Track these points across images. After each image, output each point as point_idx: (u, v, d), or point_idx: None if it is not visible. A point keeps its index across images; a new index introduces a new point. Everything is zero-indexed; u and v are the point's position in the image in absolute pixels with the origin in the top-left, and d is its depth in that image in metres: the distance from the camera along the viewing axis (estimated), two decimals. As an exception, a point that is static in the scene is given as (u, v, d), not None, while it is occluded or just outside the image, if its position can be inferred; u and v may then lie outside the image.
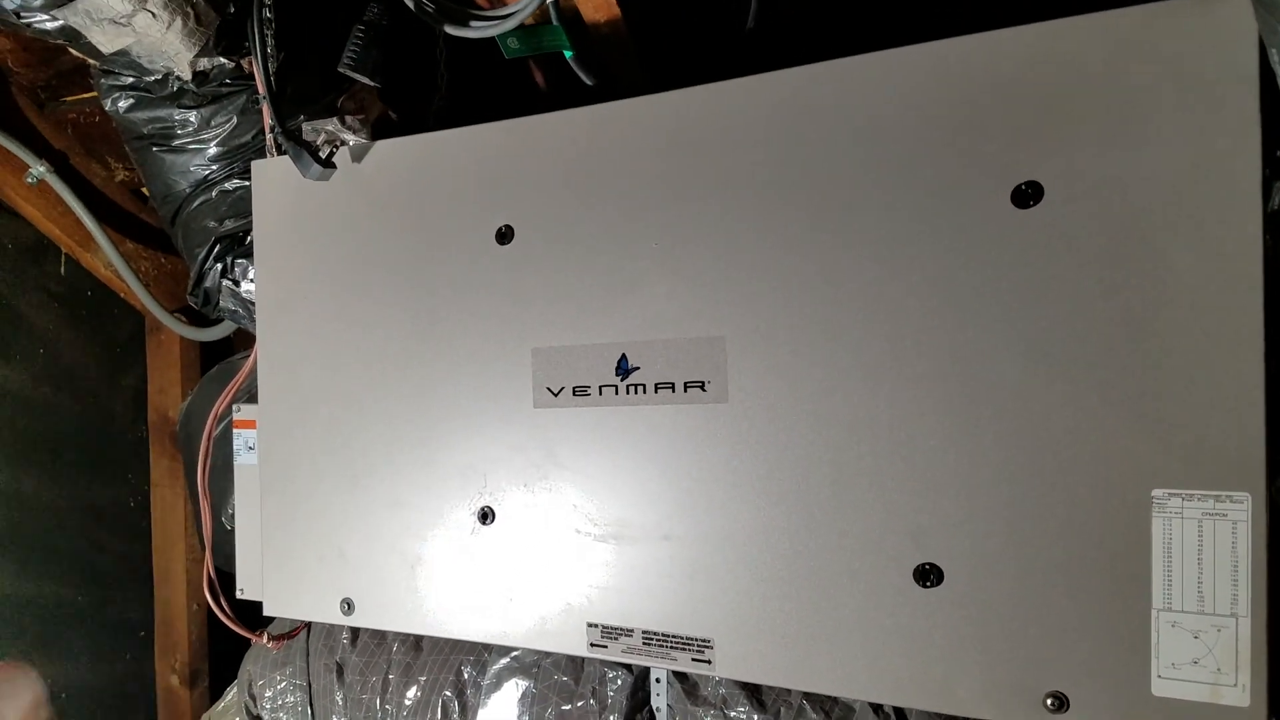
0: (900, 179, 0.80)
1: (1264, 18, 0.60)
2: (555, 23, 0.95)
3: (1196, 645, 0.70)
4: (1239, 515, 0.69)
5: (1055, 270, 0.74)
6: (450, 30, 0.96)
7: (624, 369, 0.91)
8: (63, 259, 1.63)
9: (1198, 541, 0.70)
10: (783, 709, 1.00)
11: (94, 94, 1.42)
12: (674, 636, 0.89)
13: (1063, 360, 0.74)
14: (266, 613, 1.13)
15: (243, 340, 1.68)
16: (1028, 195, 0.75)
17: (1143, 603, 0.72)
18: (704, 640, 0.88)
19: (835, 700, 0.99)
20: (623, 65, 1.04)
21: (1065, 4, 0.77)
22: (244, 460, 1.18)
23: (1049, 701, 0.75)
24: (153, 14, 0.98)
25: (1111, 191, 0.73)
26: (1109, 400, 0.73)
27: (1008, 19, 0.77)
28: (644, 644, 0.91)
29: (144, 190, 1.67)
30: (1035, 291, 0.75)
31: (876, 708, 0.97)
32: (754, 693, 1.02)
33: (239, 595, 1.20)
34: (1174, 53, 0.71)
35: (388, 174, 1.03)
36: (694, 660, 0.89)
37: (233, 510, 1.24)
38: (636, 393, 0.90)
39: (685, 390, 0.88)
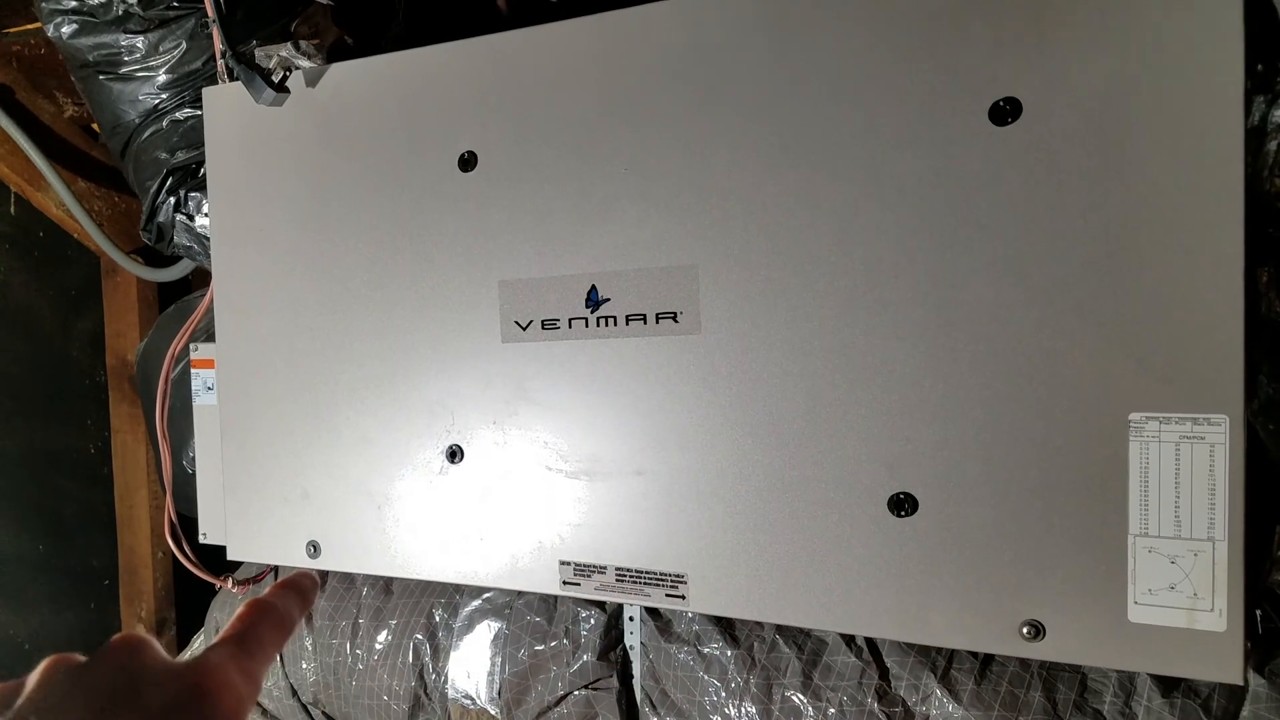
0: (876, 98, 0.77)
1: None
2: (517, -63, 0.90)
3: (1173, 570, 0.70)
4: (1217, 438, 0.68)
5: (1034, 189, 0.72)
6: (407, -54, 0.92)
7: (594, 301, 0.88)
8: (12, 199, 1.57)
9: (1175, 465, 0.69)
10: (756, 643, 1.00)
11: (38, 25, 1.36)
12: (647, 573, 0.88)
13: (1040, 282, 0.72)
14: (230, 557, 1.11)
15: (201, 280, 1.64)
16: (1006, 112, 0.73)
17: (1119, 529, 0.71)
18: (678, 575, 0.87)
19: (808, 634, 0.99)
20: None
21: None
22: (203, 401, 1.15)
23: (1025, 630, 0.74)
24: (90, -70, 0.93)
25: (1091, 107, 0.70)
26: (1086, 322, 0.71)
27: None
28: (617, 581, 0.90)
29: (95, 126, 1.61)
30: (1013, 212, 0.73)
31: (849, 640, 0.97)
32: (727, 628, 1.02)
33: (202, 540, 1.17)
34: (1160, -38, 0.69)
35: (344, 99, 0.99)
36: (668, 596, 0.87)
37: (193, 453, 1.21)
38: (607, 325, 0.88)
39: (657, 322, 0.86)
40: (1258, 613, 0.84)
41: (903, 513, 0.77)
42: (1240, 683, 0.70)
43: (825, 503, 0.80)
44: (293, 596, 0.47)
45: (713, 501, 0.85)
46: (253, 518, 1.08)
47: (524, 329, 0.92)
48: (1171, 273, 0.69)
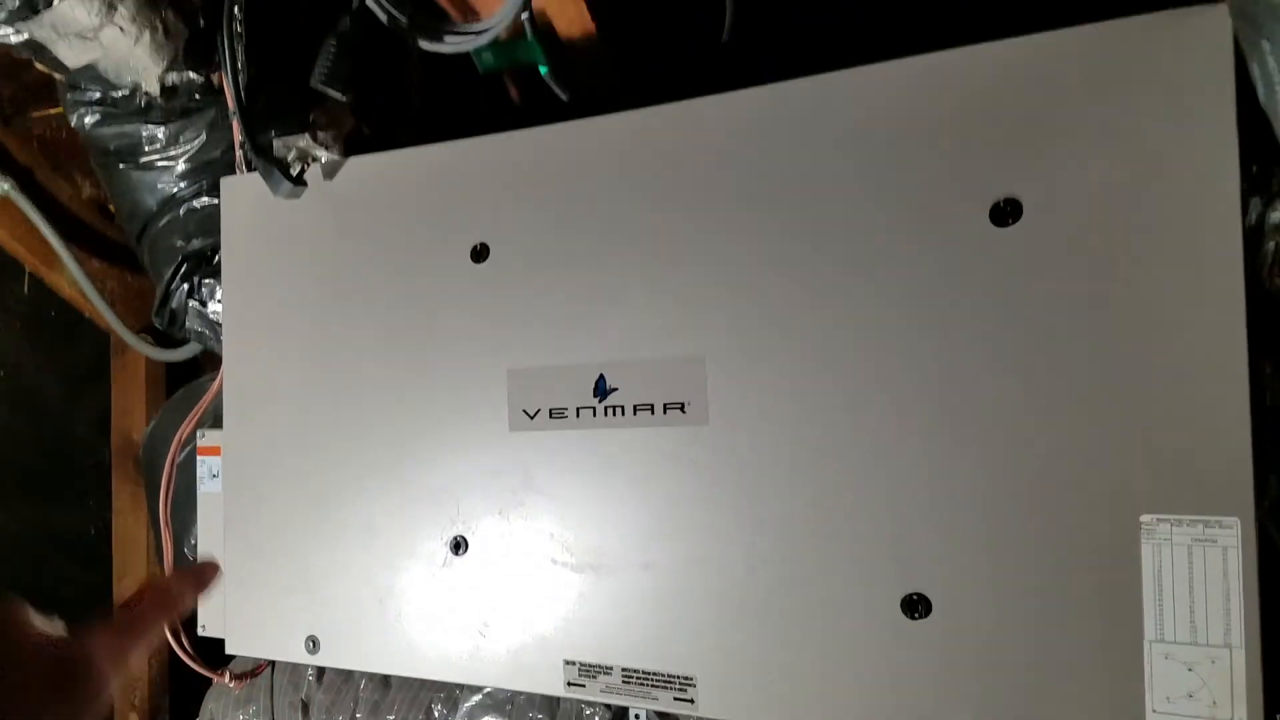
0: (880, 196, 0.78)
1: (1243, 30, 0.59)
2: (530, 38, 0.93)
3: (1191, 678, 0.69)
4: (1229, 540, 0.67)
5: (1037, 288, 0.73)
6: (424, 45, 0.94)
7: (602, 390, 0.89)
8: (26, 278, 1.58)
9: (1188, 568, 0.68)
10: (764, 743, 0.97)
11: (60, 109, 1.39)
12: (655, 674, 0.86)
13: (1046, 381, 0.72)
14: (229, 651, 1.09)
15: (210, 361, 1.64)
16: (1006, 213, 0.74)
17: (1134, 633, 0.70)
18: (686, 678, 0.85)
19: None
20: (599, 79, 1.02)
21: (1041, 18, 0.76)
22: (208, 488, 1.14)
23: (1041, 736, 0.72)
24: (120, 28, 0.96)
25: (1091, 208, 0.72)
26: (1093, 422, 0.71)
27: (984, 34, 0.76)
28: (623, 682, 0.88)
29: (111, 207, 1.63)
30: (1017, 310, 0.74)
31: (860, 741, 0.94)
32: (735, 727, 0.99)
33: (201, 633, 1.15)
34: (1151, 67, 0.70)
35: (360, 191, 1.00)
36: (676, 699, 0.86)
37: (195, 541, 1.19)
38: (615, 415, 0.88)
39: (665, 412, 0.86)
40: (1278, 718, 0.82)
41: (916, 614, 0.76)
42: (1263, 794, 0.68)
43: (837, 602, 0.79)
44: (189, 581, 0.47)
45: (722, 599, 0.83)
46: (253, 611, 1.06)
47: (532, 418, 0.91)
48: (1176, 374, 0.69)
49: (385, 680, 1.20)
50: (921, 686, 0.76)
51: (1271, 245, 0.76)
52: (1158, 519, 0.69)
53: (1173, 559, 0.69)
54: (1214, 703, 0.68)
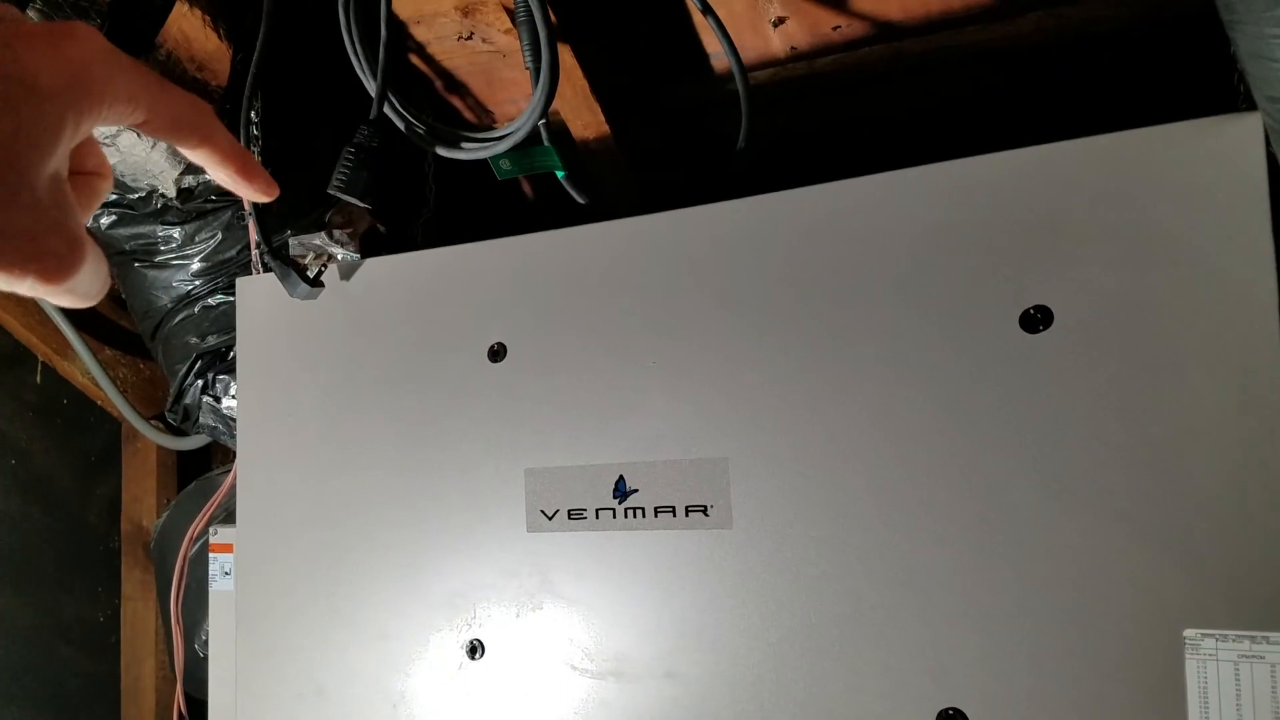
0: (906, 303, 0.78)
1: (1279, 140, 0.59)
2: (547, 143, 0.93)
3: (1240, 799, 0.66)
4: (1277, 658, 0.65)
5: (1070, 397, 0.72)
6: (442, 152, 0.95)
7: (622, 491, 0.87)
8: (39, 367, 1.59)
9: (1235, 685, 0.66)
10: None
11: (76, 204, 1.40)
12: (678, 786, 0.84)
13: (1083, 491, 0.71)
14: (240, 754, 1.07)
15: (219, 450, 1.63)
16: (1037, 320, 0.73)
17: (1180, 752, 0.68)
18: (711, 790, 0.82)
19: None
20: (615, 182, 1.03)
21: (1064, 127, 0.76)
22: (219, 586, 1.13)
23: None
24: (137, 133, 0.96)
25: (1124, 316, 0.71)
26: (1133, 534, 0.69)
27: (1012, 142, 0.76)
28: (645, 793, 0.85)
29: (124, 296, 1.64)
30: (1050, 418, 0.72)
31: None
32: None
33: (212, 733, 1.13)
34: (1185, 174, 0.70)
35: (377, 292, 1.00)
36: (700, 811, 0.83)
37: (205, 636, 1.18)
38: (635, 516, 0.87)
39: (687, 514, 0.85)
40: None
41: (951, 729, 0.74)
42: None
43: (868, 713, 0.77)
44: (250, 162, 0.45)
45: (749, 710, 0.81)
46: (264, 714, 1.04)
47: (550, 518, 0.90)
48: (1219, 484, 0.67)
49: (399, 785, 1.17)
50: (960, 809, 0.74)
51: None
52: (1202, 634, 0.67)
53: (1219, 675, 0.67)
54: (1266, 827, 0.65)
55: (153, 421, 1.57)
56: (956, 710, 0.74)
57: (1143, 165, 0.71)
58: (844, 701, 0.77)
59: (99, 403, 1.67)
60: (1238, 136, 0.69)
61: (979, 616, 0.74)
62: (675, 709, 0.84)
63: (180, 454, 1.75)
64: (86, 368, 1.51)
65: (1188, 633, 0.68)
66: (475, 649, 0.93)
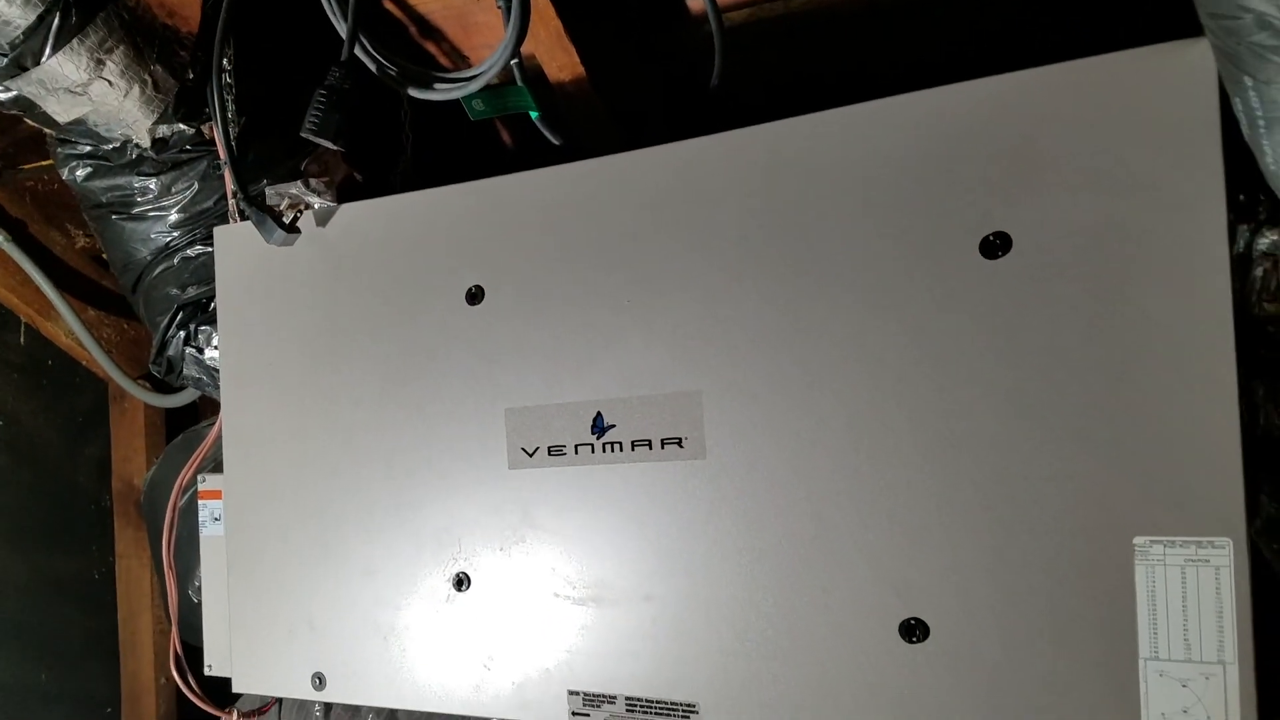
0: (872, 232, 0.80)
1: (1225, 65, 0.61)
2: (520, 84, 0.94)
3: (1185, 694, 0.70)
4: (1221, 561, 0.69)
5: (1028, 319, 0.74)
6: (414, 93, 0.96)
7: (600, 427, 0.90)
8: (22, 328, 1.60)
9: (1181, 588, 0.70)
10: (770, 769, 0.98)
11: (51, 162, 1.40)
12: (658, 702, 0.87)
13: (1040, 410, 0.74)
14: (236, 689, 1.10)
15: (208, 407, 1.65)
16: (996, 246, 0.75)
17: (1129, 652, 0.71)
18: (689, 705, 0.86)
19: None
20: (590, 123, 1.04)
21: (1028, 53, 0.78)
22: (210, 532, 1.15)
23: (1041, 756, 0.73)
24: (109, 82, 0.97)
25: (1079, 240, 0.73)
26: (1087, 448, 0.72)
27: (973, 71, 0.77)
28: (627, 711, 0.89)
29: (105, 256, 1.65)
30: (1010, 341, 0.75)
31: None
32: (741, 753, 1.00)
33: (207, 672, 1.16)
34: (1139, 101, 0.72)
35: (354, 237, 1.02)
36: (679, 726, 0.87)
37: (199, 583, 1.20)
38: (613, 451, 0.89)
39: (662, 447, 0.87)
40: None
41: (914, 638, 0.77)
42: (1260, 808, 0.69)
43: (836, 629, 0.80)
44: None
45: (723, 628, 0.84)
46: (258, 650, 1.07)
47: (530, 455, 0.93)
48: (1167, 399, 0.70)
49: (392, 716, 1.21)
50: (920, 709, 0.77)
51: (1259, 272, 0.77)
52: (1151, 541, 0.71)
53: (1166, 579, 0.70)
54: (1208, 717, 0.69)
55: (139, 381, 1.58)
56: (918, 620, 0.77)
57: (1099, 92, 0.73)
58: (812, 616, 0.81)
59: (84, 363, 1.68)
60: (1190, 62, 0.70)
61: (941, 532, 0.77)
62: (654, 629, 0.87)
63: (168, 412, 1.76)
64: (70, 328, 1.52)
65: (1137, 540, 0.71)
66: (461, 581, 0.96)
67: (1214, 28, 0.59)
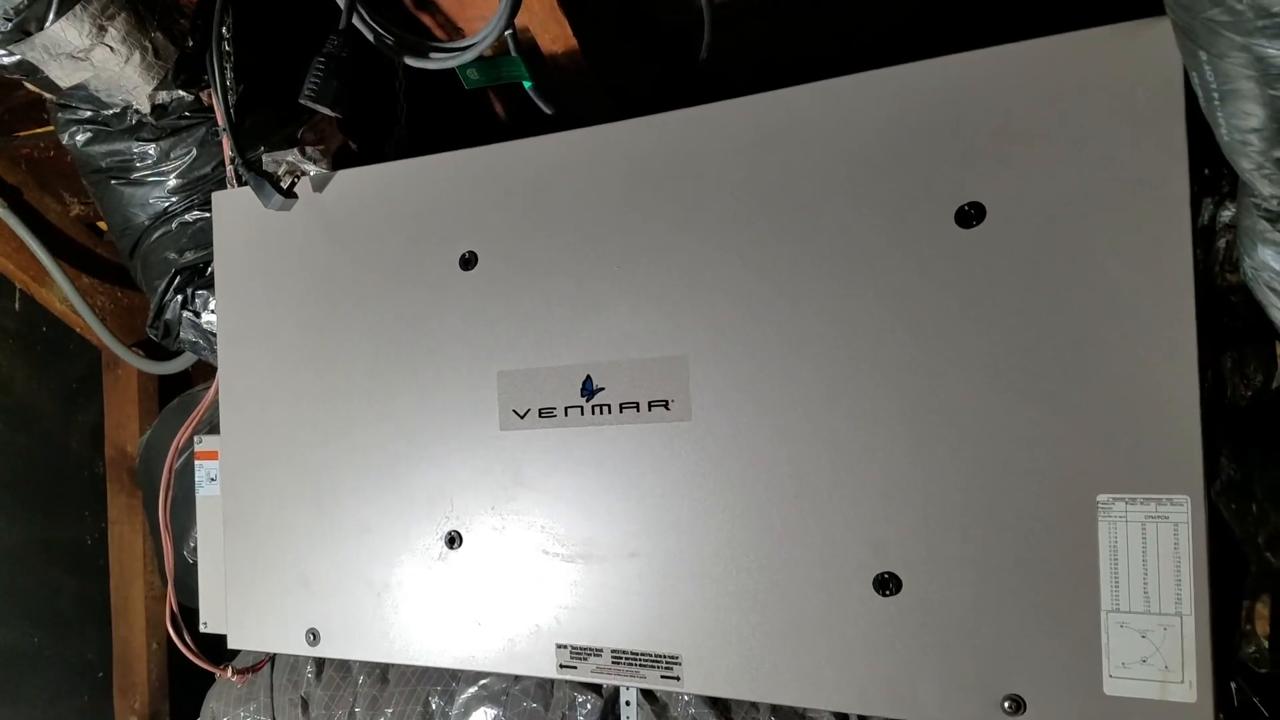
0: (853, 202, 0.83)
1: (1182, 41, 0.63)
2: (514, 54, 0.97)
3: (1144, 644, 0.73)
4: (1180, 517, 0.72)
5: (1000, 287, 0.77)
6: (410, 62, 0.98)
7: (589, 390, 0.92)
8: (17, 295, 1.61)
9: (1142, 544, 0.73)
10: (750, 725, 1.02)
11: (48, 129, 1.41)
12: (643, 654, 0.90)
13: (1010, 373, 0.77)
14: (231, 645, 1.12)
15: (201, 373, 1.67)
16: (971, 215, 0.78)
17: (1092, 605, 0.75)
18: (672, 657, 0.89)
19: (802, 715, 1.01)
20: (581, 94, 1.06)
21: (1002, 30, 0.80)
22: (206, 492, 1.18)
23: (1006, 704, 0.77)
24: (111, 48, 0.99)
25: (1051, 211, 0.76)
26: (1055, 411, 0.76)
27: (950, 46, 0.80)
28: (613, 663, 0.92)
29: (100, 225, 1.66)
30: (982, 308, 0.78)
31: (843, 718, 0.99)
32: (723, 711, 1.03)
33: (202, 629, 1.18)
34: (1106, 77, 0.75)
35: (350, 204, 1.04)
36: (663, 677, 0.90)
37: (195, 544, 1.23)
38: (602, 413, 0.92)
39: (649, 409, 0.90)
40: (1232, 685, 0.87)
41: (887, 592, 0.80)
42: (1214, 752, 0.72)
43: (813, 583, 0.83)
44: None
45: (706, 583, 0.88)
46: (253, 607, 1.10)
47: (522, 417, 0.95)
48: (1131, 364, 0.73)
49: (383, 675, 1.24)
50: (892, 658, 0.81)
51: (1222, 243, 0.81)
52: (1114, 498, 0.74)
53: (1128, 535, 0.73)
54: (1166, 667, 0.73)
55: (133, 348, 1.59)
56: (891, 574, 0.81)
57: (1068, 68, 0.76)
58: (791, 571, 0.84)
59: (78, 330, 1.69)
60: (1155, 39, 0.73)
61: (914, 491, 0.80)
62: (639, 584, 0.90)
63: (161, 380, 1.78)
64: (65, 295, 1.53)
65: (1100, 498, 0.74)
66: (454, 539, 0.99)
67: (1172, 4, 0.61)
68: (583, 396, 0.93)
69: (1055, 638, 0.76)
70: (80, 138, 1.16)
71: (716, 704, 1.04)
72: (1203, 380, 0.72)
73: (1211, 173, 0.77)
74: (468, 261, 0.98)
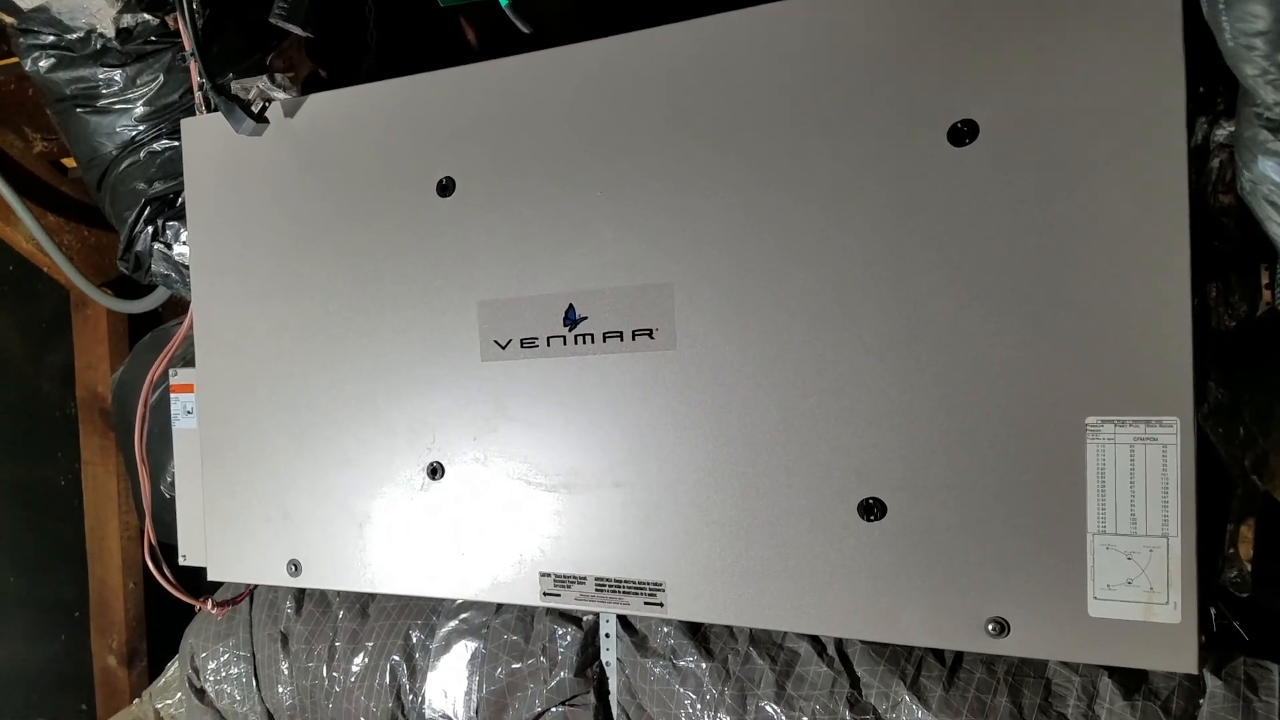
0: (841, 122, 0.81)
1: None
2: (491, -30, 0.93)
3: (1130, 566, 0.73)
4: (1168, 439, 0.72)
5: (990, 207, 0.76)
6: (384, -22, 0.95)
7: (571, 319, 0.91)
8: (-20, 233, 1.58)
9: (1130, 466, 0.73)
10: (730, 656, 1.02)
11: (10, 59, 1.37)
12: (626, 582, 0.90)
13: (999, 295, 0.76)
14: (211, 577, 1.12)
15: (171, 312, 1.64)
16: (963, 133, 0.77)
17: (1078, 527, 0.75)
18: (655, 584, 0.89)
19: (781, 645, 1.01)
20: (558, 12, 1.03)
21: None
22: (183, 425, 1.16)
23: (990, 627, 0.77)
24: (73, -33, 0.95)
25: (1044, 128, 0.75)
26: (1043, 332, 0.75)
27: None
28: (596, 590, 0.92)
29: (65, 162, 1.62)
30: (972, 229, 0.77)
31: (821, 650, 0.99)
32: (702, 641, 1.04)
33: (182, 562, 1.18)
34: (1102, -9, 0.73)
35: (322, 129, 1.01)
36: (646, 604, 0.90)
37: (172, 478, 1.21)
38: (584, 343, 0.91)
39: (633, 338, 0.89)
40: (1212, 610, 0.88)
41: (872, 517, 0.80)
42: (1195, 672, 0.73)
43: (798, 509, 0.83)
44: None
45: (689, 511, 0.87)
46: (233, 539, 1.09)
47: (503, 348, 0.94)
48: (1124, 284, 0.73)
49: (364, 609, 1.23)
50: (876, 583, 0.81)
51: (1215, 163, 0.80)
52: (1102, 420, 0.73)
53: (1116, 457, 0.73)
54: (1151, 588, 0.73)
55: (102, 288, 1.56)
56: (876, 499, 0.80)
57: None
58: (775, 497, 0.84)
59: (45, 270, 1.66)
60: (1152, -49, 0.72)
61: (901, 416, 0.79)
62: (623, 513, 0.90)
63: (131, 320, 1.75)
64: (30, 233, 1.49)
65: (1089, 420, 0.74)
66: (435, 470, 0.98)
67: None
68: (565, 326, 0.91)
69: (1040, 560, 0.76)
70: (44, 64, 1.12)
71: (696, 634, 1.04)
72: (1193, 302, 0.71)
73: (1206, 91, 0.76)
74: (445, 188, 0.95)
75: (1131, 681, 0.88)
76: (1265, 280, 0.83)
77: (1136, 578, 0.73)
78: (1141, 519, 0.73)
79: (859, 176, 0.80)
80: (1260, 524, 0.86)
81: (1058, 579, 0.75)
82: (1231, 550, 0.87)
